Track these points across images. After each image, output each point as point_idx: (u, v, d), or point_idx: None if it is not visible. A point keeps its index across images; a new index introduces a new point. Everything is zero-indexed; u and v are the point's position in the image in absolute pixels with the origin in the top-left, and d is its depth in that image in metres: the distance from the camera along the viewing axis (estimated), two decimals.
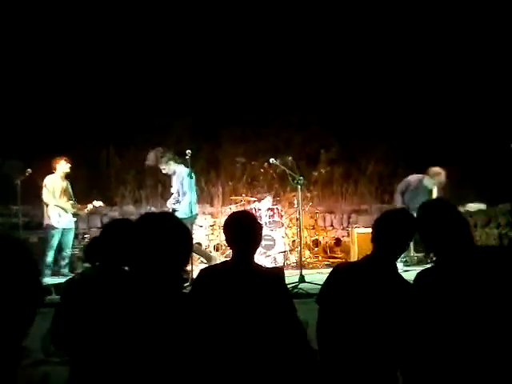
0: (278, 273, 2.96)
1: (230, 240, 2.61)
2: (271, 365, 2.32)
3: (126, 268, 2.17)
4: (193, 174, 6.37)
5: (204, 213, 8.80)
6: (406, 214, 2.50)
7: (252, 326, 2.34)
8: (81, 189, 8.94)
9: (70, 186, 7.00)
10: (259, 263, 6.86)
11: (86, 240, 8.40)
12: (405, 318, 2.28)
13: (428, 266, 2.35)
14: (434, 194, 6.90)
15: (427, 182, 6.96)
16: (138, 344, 1.66)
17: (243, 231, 2.54)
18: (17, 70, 9.83)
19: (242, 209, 7.94)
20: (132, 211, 9.29)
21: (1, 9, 9.15)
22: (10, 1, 9.53)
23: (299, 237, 6.54)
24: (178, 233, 1.84)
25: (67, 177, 7.05)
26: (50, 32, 10.03)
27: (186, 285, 5.28)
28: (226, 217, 2.81)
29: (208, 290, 2.45)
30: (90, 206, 6.95)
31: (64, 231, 6.87)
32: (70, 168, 6.98)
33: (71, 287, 2.46)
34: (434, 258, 2.25)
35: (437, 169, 6.96)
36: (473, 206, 6.45)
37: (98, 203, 7.00)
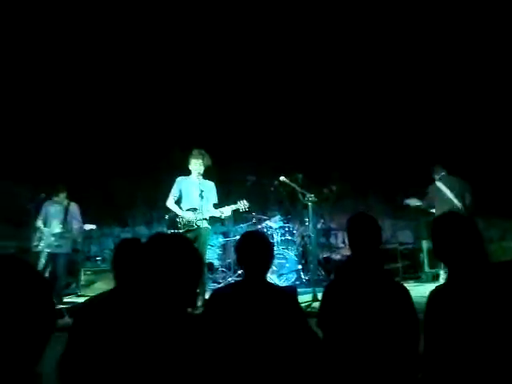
0: (290, 292, 2.94)
1: (242, 260, 2.61)
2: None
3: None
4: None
5: (215, 232, 8.78)
6: (365, 216, 2.69)
7: (266, 346, 2.32)
8: (93, 210, 9.00)
9: (68, 211, 6.69)
10: (272, 282, 6.74)
11: (98, 262, 8.42)
12: (409, 318, 2.38)
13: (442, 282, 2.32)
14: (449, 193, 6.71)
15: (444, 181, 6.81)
16: (148, 369, 1.64)
17: (255, 251, 2.54)
18: (27, 92, 9.98)
19: (253, 227, 7.92)
20: (144, 232, 9.31)
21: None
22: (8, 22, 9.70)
23: (311, 255, 6.50)
24: (189, 255, 1.81)
25: (76, 200, 6.97)
26: (59, 56, 10.21)
27: (199, 305, 5.16)
28: (239, 237, 2.80)
29: (221, 310, 2.44)
30: (78, 230, 6.70)
31: (53, 256, 6.58)
32: (80, 190, 6.84)
33: (80, 315, 2.40)
34: (447, 274, 2.23)
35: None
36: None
37: (89, 226, 6.82)
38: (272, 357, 2.30)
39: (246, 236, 2.74)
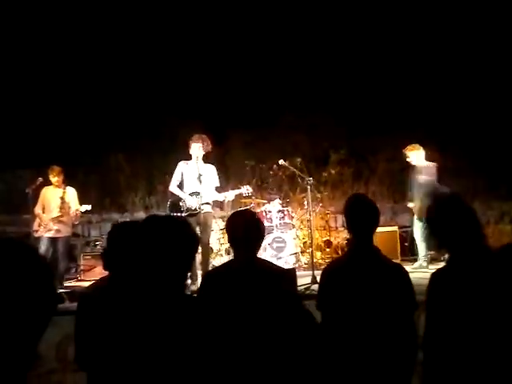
0: (285, 272, 2.95)
1: (233, 239, 2.63)
2: (281, 365, 2.29)
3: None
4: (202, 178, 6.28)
5: (214, 216, 8.78)
6: (362, 197, 2.72)
7: (261, 326, 2.32)
8: (92, 196, 9.00)
9: (65, 195, 6.66)
10: (267, 260, 6.68)
11: (98, 247, 8.44)
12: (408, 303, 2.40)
13: (441, 264, 2.32)
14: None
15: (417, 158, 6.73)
16: (150, 352, 1.65)
17: (245, 230, 2.54)
18: (24, 79, 9.93)
19: (252, 211, 7.93)
20: (143, 218, 9.31)
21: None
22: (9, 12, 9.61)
23: (310, 238, 6.51)
24: (182, 236, 1.82)
25: (72, 185, 6.92)
26: (59, 44, 10.14)
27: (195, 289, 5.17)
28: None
29: (215, 292, 2.45)
30: (75, 212, 6.63)
31: (52, 241, 6.59)
32: (79, 176, 6.74)
33: (84, 302, 2.43)
34: (447, 256, 2.24)
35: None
36: None
37: (84, 207, 6.78)
38: (265, 337, 2.30)
39: (234, 215, 2.75)
